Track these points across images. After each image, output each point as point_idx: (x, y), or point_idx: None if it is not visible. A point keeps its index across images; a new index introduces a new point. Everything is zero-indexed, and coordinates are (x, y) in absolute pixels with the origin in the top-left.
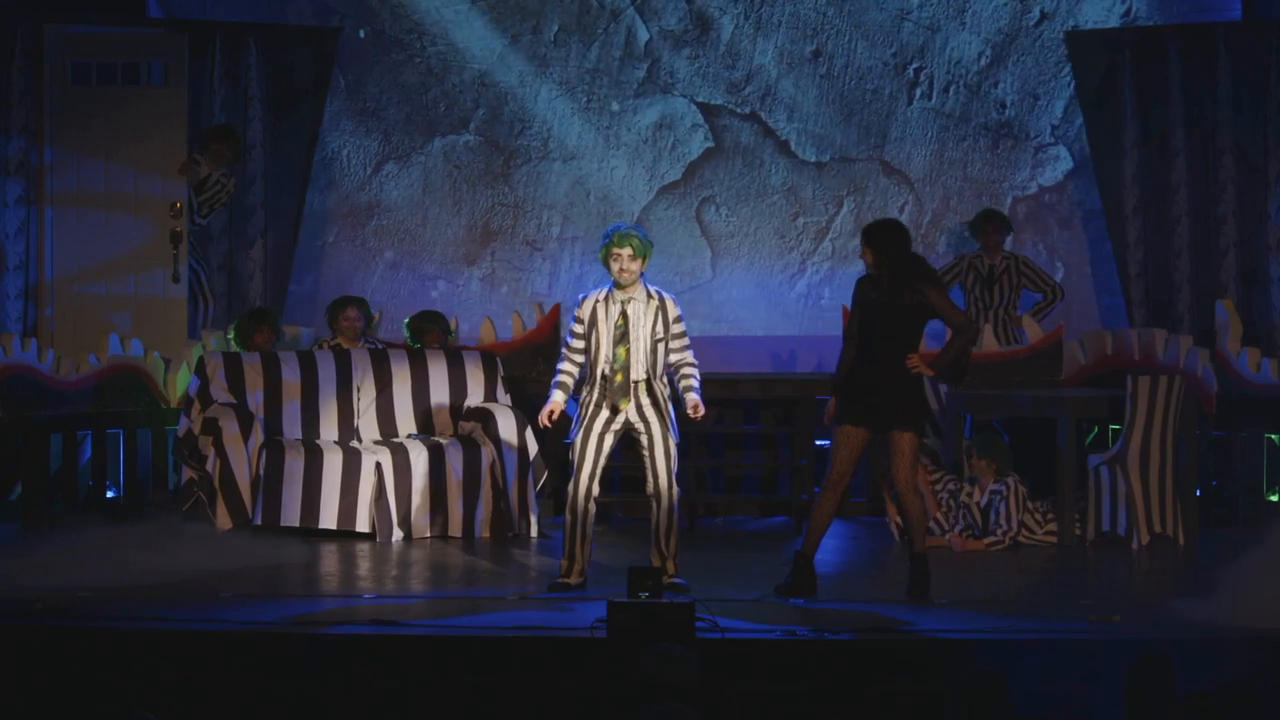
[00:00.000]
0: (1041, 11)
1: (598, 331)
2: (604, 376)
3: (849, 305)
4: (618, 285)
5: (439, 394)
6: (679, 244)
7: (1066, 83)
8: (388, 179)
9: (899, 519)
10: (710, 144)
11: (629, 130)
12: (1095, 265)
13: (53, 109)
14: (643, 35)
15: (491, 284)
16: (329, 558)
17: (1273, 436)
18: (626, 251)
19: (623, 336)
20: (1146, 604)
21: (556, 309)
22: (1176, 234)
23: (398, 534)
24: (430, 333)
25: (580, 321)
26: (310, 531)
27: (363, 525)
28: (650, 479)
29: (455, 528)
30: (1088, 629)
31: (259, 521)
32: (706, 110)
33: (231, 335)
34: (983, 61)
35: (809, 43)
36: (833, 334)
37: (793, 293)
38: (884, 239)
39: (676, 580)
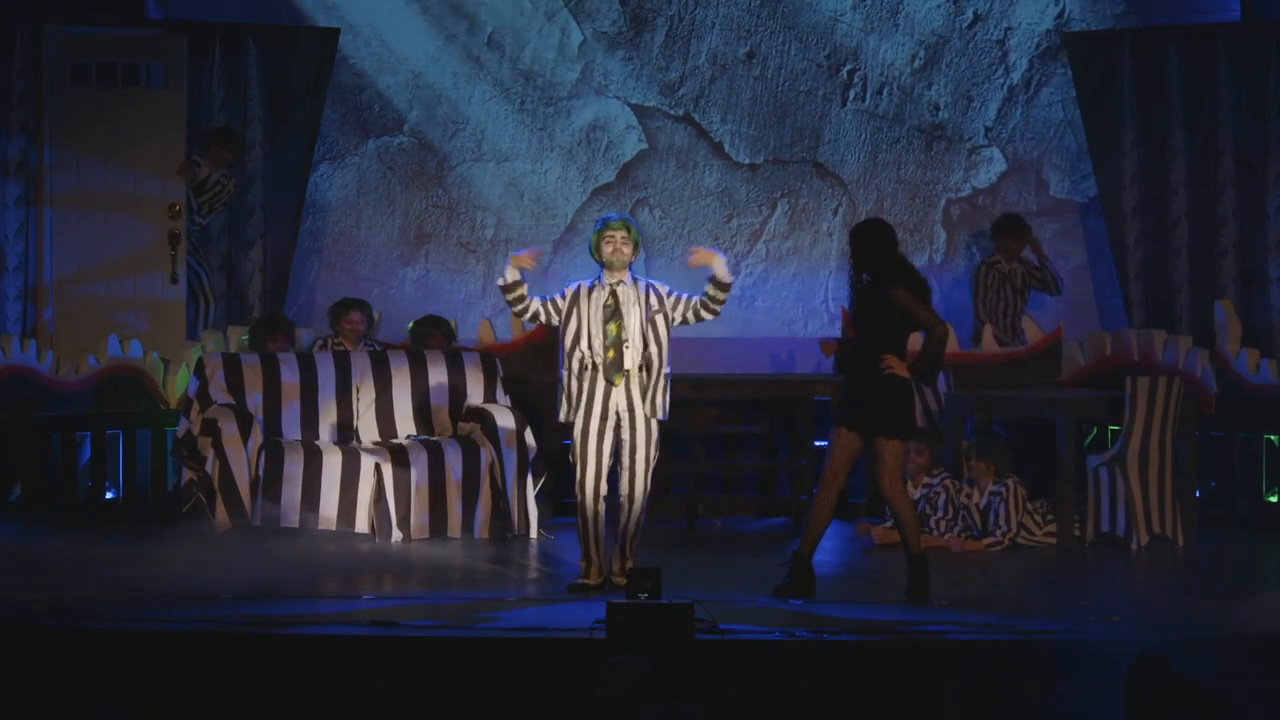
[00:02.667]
0: (974, 13)
1: (579, 313)
2: (591, 365)
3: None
4: (608, 269)
5: (438, 395)
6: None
7: (1000, 84)
8: (322, 179)
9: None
10: (644, 146)
11: (563, 132)
12: (1094, 266)
13: (52, 110)
14: (577, 37)
15: (425, 287)
16: (328, 559)
17: (1272, 437)
18: (620, 234)
19: (613, 314)
20: (1146, 605)
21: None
22: (1176, 235)
23: (397, 535)
24: (433, 337)
25: (561, 297)
26: (309, 532)
27: (362, 526)
28: (625, 481)
29: (454, 528)
30: (1087, 630)
31: (258, 522)
32: (640, 112)
33: (245, 338)
34: (916, 63)
35: (742, 44)
36: (766, 336)
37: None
38: (858, 239)
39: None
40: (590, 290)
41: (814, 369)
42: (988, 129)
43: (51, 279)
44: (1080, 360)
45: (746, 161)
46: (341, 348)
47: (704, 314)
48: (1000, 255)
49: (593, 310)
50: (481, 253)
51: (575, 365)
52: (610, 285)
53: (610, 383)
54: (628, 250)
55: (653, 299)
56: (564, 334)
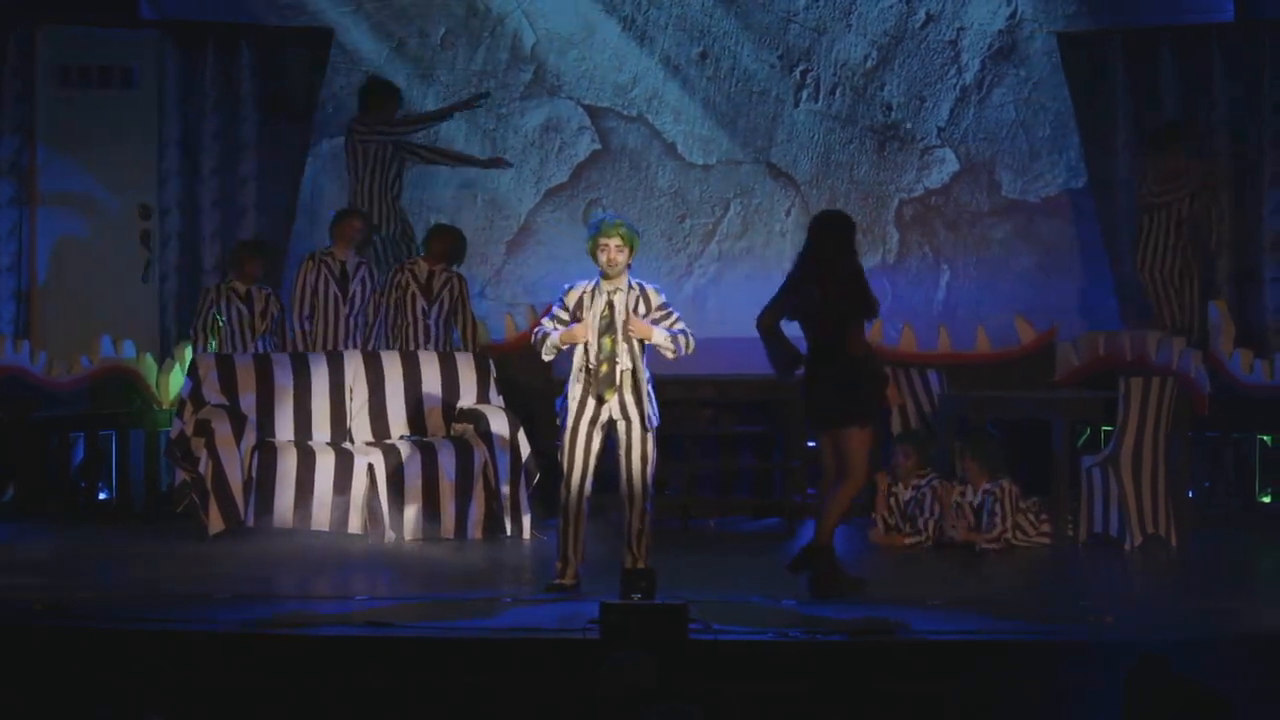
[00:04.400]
0: (927, 14)
1: (584, 322)
2: (588, 369)
3: None
4: (605, 276)
5: (431, 395)
6: (565, 247)
7: (952, 85)
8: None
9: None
10: (597, 146)
11: (515, 133)
12: (1088, 267)
13: (45, 110)
14: (529, 38)
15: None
16: (321, 559)
17: (1265, 438)
18: (614, 242)
19: (609, 326)
20: (1140, 605)
21: (549, 310)
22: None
23: (390, 535)
24: (438, 240)
25: (565, 308)
26: (303, 533)
27: (355, 527)
28: (624, 479)
29: (448, 529)
30: (1081, 630)
31: (251, 523)
32: (593, 113)
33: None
34: (869, 64)
35: (695, 45)
36: (720, 336)
37: (680, 295)
38: (813, 227)
39: None
40: (592, 294)
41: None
42: (940, 129)
43: (44, 279)
44: (1074, 361)
45: (700, 162)
46: (332, 259)
47: (663, 352)
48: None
49: (593, 316)
50: None
51: (576, 367)
52: (607, 294)
53: (601, 398)
54: (623, 257)
55: (641, 309)
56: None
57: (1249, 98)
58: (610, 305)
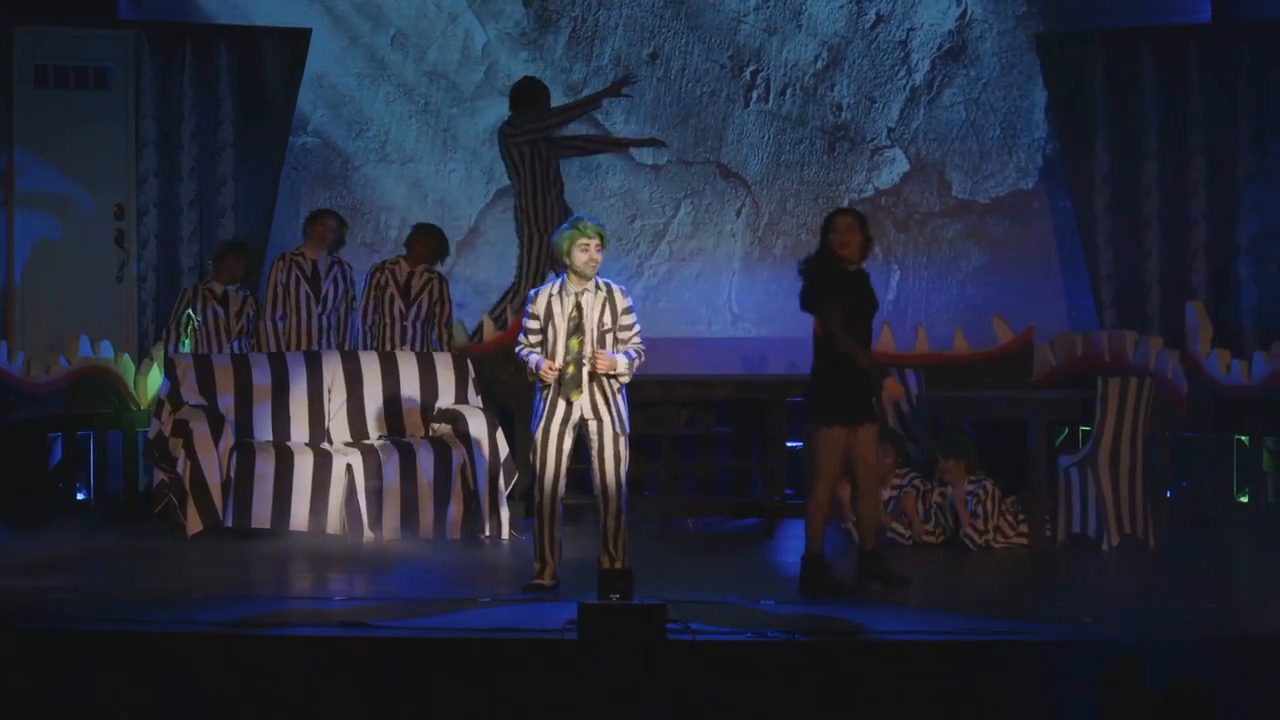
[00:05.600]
0: (877, 14)
1: (554, 325)
2: (558, 372)
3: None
4: (579, 276)
5: (410, 395)
6: (515, 248)
7: (902, 85)
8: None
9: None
10: None
11: (467, 133)
12: (1065, 267)
13: (22, 111)
14: (480, 38)
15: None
16: (299, 560)
17: (1242, 438)
18: (595, 242)
19: (576, 328)
20: (1117, 605)
21: (521, 322)
22: (1148, 236)
23: (368, 535)
24: (421, 241)
25: (535, 317)
26: (281, 533)
27: (333, 527)
28: (597, 479)
29: (426, 529)
30: (1059, 630)
31: (229, 523)
32: None
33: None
34: (819, 64)
35: (646, 45)
36: (670, 336)
37: (630, 295)
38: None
39: None
40: (560, 297)
41: (786, 370)
42: (890, 130)
43: (21, 280)
44: (1052, 361)
45: (650, 163)
46: (303, 258)
47: (620, 378)
48: None
49: (560, 320)
50: (385, 253)
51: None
52: (575, 295)
53: (568, 400)
54: (601, 257)
55: (605, 316)
56: (543, 346)
57: (1226, 99)
58: (579, 306)
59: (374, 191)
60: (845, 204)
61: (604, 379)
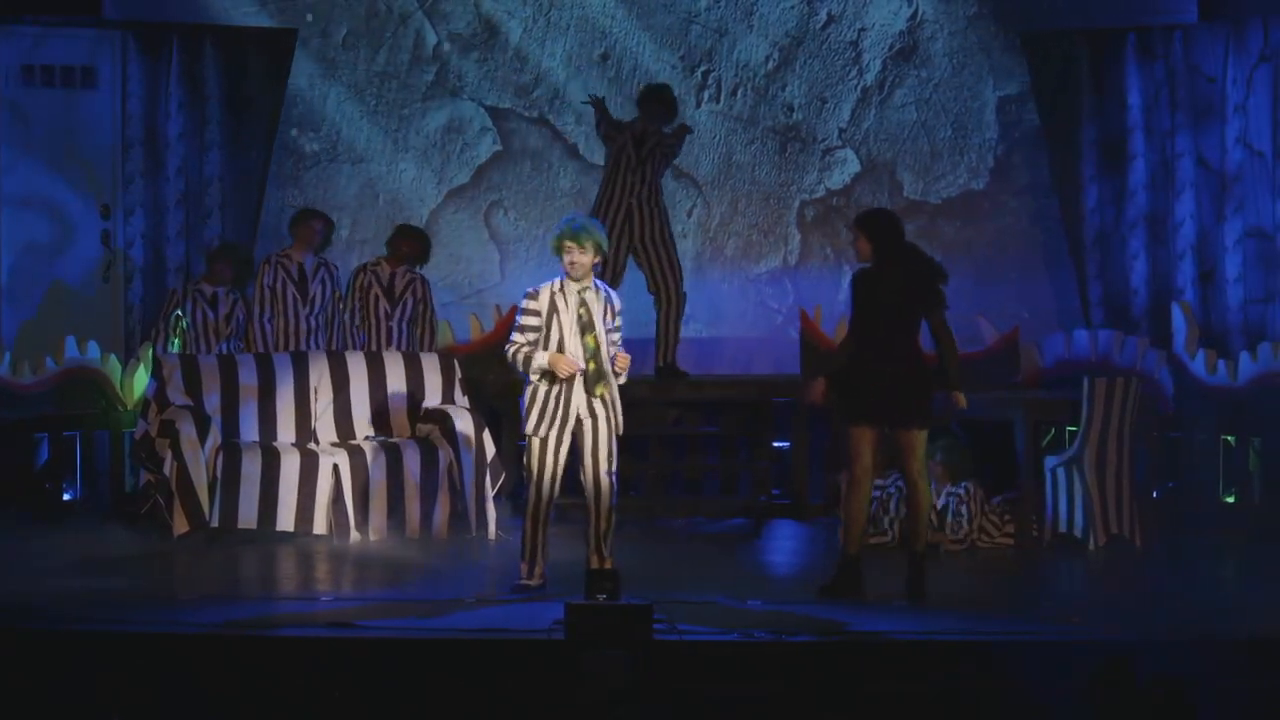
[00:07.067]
0: (828, 14)
1: (558, 321)
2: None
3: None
4: (570, 277)
5: (397, 395)
6: (468, 247)
7: (854, 85)
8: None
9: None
10: (499, 147)
11: (417, 134)
12: (1052, 268)
13: (6, 110)
14: (431, 39)
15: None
16: (286, 560)
17: (1228, 438)
18: (576, 248)
19: (588, 325)
20: (1104, 605)
21: (514, 311)
22: (1134, 236)
23: (355, 536)
24: (406, 242)
25: (536, 313)
26: (267, 534)
27: (320, 527)
28: (589, 479)
29: (413, 529)
30: (1046, 630)
31: (216, 524)
32: (495, 114)
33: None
34: (770, 64)
35: (597, 45)
36: (624, 336)
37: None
38: (879, 228)
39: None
40: (563, 295)
41: (772, 369)
42: (841, 130)
43: (6, 281)
44: (1038, 361)
45: (602, 163)
46: (289, 260)
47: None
48: None
49: (569, 317)
50: (336, 254)
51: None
52: (579, 293)
53: (591, 394)
54: (586, 260)
55: (608, 316)
56: (540, 342)
57: (1212, 99)
58: (584, 303)
59: (325, 191)
60: (796, 204)
61: (609, 379)
